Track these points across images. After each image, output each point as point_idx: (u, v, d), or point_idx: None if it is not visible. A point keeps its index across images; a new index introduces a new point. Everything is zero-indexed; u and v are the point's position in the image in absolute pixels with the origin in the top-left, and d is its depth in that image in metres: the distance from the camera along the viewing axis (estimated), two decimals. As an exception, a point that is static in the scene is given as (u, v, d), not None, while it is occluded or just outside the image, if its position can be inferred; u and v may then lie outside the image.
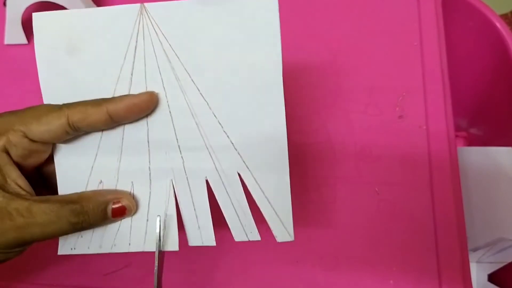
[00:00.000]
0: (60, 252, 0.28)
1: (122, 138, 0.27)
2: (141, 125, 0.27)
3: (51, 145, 0.27)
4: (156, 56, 0.26)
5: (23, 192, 0.25)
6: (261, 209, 0.27)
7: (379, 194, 0.38)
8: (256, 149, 0.27)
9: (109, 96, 0.26)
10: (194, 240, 0.27)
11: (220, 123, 0.27)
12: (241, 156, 0.27)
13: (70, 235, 0.27)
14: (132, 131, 0.27)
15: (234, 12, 0.26)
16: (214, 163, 0.27)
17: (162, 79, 0.26)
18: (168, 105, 0.27)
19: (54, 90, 0.27)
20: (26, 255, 0.34)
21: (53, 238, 0.25)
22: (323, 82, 0.44)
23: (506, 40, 0.52)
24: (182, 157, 0.27)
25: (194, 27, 0.26)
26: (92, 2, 0.48)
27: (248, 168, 0.27)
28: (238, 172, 0.27)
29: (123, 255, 0.28)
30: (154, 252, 0.27)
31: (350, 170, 0.40)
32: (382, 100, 0.42)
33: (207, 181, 0.27)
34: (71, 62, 0.27)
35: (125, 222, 0.27)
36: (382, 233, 0.37)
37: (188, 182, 0.27)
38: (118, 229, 0.27)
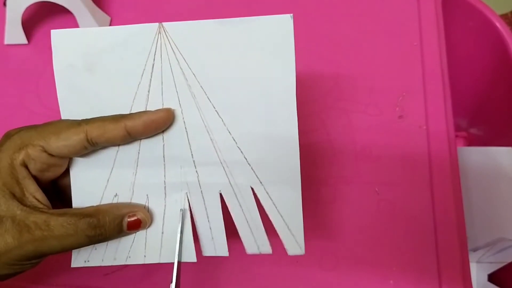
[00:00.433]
0: (74, 264, 0.28)
1: (138, 153, 0.28)
2: (157, 140, 0.28)
3: (68, 159, 0.28)
4: (173, 74, 0.27)
5: (40, 206, 0.26)
6: (273, 223, 0.27)
7: (379, 194, 0.38)
8: (269, 164, 0.27)
9: (126, 112, 0.27)
10: (208, 250, 0.28)
11: (234, 140, 0.27)
12: (254, 171, 0.27)
13: (83, 248, 0.28)
14: (148, 146, 0.28)
15: (250, 32, 0.26)
16: (228, 177, 0.28)
17: (178, 96, 0.27)
18: (184, 122, 0.27)
19: (72, 106, 0.27)
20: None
21: (69, 251, 0.26)
22: (323, 82, 0.44)
23: (506, 40, 0.52)
24: (197, 171, 0.28)
25: (210, 46, 0.27)
26: (92, 3, 0.48)
27: (261, 182, 0.27)
28: (251, 186, 0.27)
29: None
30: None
31: (350, 170, 0.40)
32: (382, 100, 0.42)
33: (220, 195, 0.28)
34: (89, 79, 0.27)
35: (139, 235, 0.28)
36: (382, 233, 0.37)
37: (202, 196, 0.28)
38: (133, 242, 0.28)
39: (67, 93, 0.27)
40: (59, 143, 0.25)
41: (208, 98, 0.27)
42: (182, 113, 0.27)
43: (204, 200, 0.28)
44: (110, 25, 0.50)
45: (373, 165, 0.39)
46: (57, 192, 0.29)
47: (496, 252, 0.48)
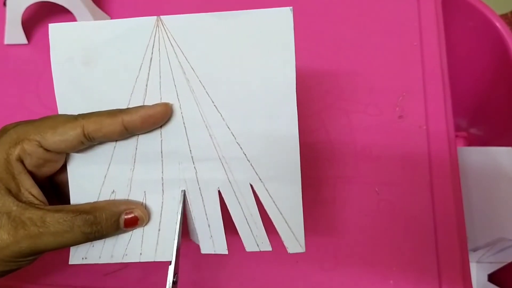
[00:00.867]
0: (71, 261, 0.28)
1: (136, 148, 0.27)
2: (155, 136, 0.27)
3: (65, 155, 0.27)
4: (171, 68, 0.27)
5: (36, 202, 0.25)
6: (273, 220, 0.27)
7: (379, 194, 0.38)
8: (268, 161, 0.27)
9: (124, 107, 0.27)
10: (207, 248, 0.28)
11: (233, 135, 0.27)
12: (253, 168, 0.27)
13: (81, 245, 0.27)
14: (146, 142, 0.27)
15: (249, 25, 0.26)
16: (226, 174, 0.27)
17: (176, 90, 0.27)
18: (182, 116, 0.27)
19: (69, 101, 0.27)
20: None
21: (65, 248, 0.26)
22: (323, 82, 0.44)
23: (506, 40, 0.52)
24: (195, 167, 0.27)
25: (209, 39, 0.26)
26: (92, 3, 0.48)
27: (260, 179, 0.27)
28: (251, 183, 0.27)
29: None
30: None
31: (350, 170, 0.40)
32: (382, 100, 0.42)
33: (219, 192, 0.27)
34: (86, 73, 0.27)
35: (137, 232, 0.28)
36: (382, 233, 0.37)
37: (200, 193, 0.27)
38: (130, 239, 0.28)
39: (64, 87, 0.27)
40: (56, 138, 0.25)
41: (207, 93, 0.27)
42: (180, 107, 0.27)
43: (202, 197, 0.27)
44: (110, 25, 0.50)
45: (373, 165, 0.39)
46: (54, 189, 0.29)
47: (496, 252, 0.48)
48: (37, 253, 0.25)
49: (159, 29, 0.27)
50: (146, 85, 0.27)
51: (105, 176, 0.28)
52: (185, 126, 0.27)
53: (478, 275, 0.49)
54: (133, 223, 0.27)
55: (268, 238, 0.27)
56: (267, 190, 0.27)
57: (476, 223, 0.50)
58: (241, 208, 0.27)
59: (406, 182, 0.38)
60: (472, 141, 0.68)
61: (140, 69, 0.27)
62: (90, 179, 0.28)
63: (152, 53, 0.27)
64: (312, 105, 0.43)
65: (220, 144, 0.27)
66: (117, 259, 0.28)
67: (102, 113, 0.25)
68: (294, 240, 0.27)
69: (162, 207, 0.28)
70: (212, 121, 0.27)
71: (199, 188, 0.27)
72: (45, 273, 0.38)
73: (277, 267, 0.37)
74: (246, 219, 0.27)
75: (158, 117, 0.26)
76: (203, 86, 0.27)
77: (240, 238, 0.27)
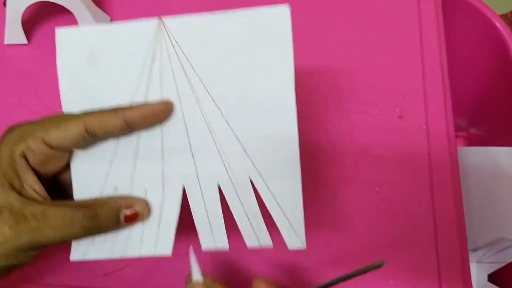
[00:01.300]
0: (73, 257, 0.28)
1: (137, 146, 0.28)
2: (155, 133, 0.28)
3: (69, 153, 0.28)
4: (172, 67, 0.27)
5: (39, 197, 0.26)
6: (273, 216, 0.27)
7: (379, 194, 0.38)
8: (268, 155, 0.27)
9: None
10: (207, 243, 0.28)
11: (232, 131, 0.27)
12: (253, 162, 0.27)
13: (82, 241, 0.28)
14: (147, 139, 0.28)
15: (247, 23, 0.27)
16: (226, 169, 0.27)
17: (177, 88, 0.27)
18: (183, 113, 0.27)
19: (73, 101, 0.28)
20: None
21: (66, 242, 0.26)
22: (323, 82, 0.44)
23: (506, 40, 0.52)
24: (195, 163, 0.28)
25: (209, 38, 0.27)
26: (92, 3, 0.48)
27: (260, 174, 0.27)
28: (250, 178, 0.27)
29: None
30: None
31: (350, 170, 0.39)
32: (382, 100, 0.42)
33: (219, 188, 0.28)
34: (90, 74, 0.28)
35: (137, 228, 0.28)
36: (382, 233, 0.37)
37: (201, 189, 0.28)
38: (130, 235, 0.28)
39: (69, 88, 0.28)
40: (59, 134, 0.26)
41: (207, 90, 0.27)
42: (181, 105, 0.27)
43: (202, 193, 0.28)
44: (110, 25, 0.50)
45: (373, 165, 0.39)
46: (59, 188, 0.30)
47: (496, 252, 0.48)
48: (37, 247, 0.26)
49: (161, 30, 0.27)
50: (148, 84, 0.27)
51: (107, 174, 0.28)
52: (185, 123, 0.27)
53: (478, 275, 0.49)
54: (133, 218, 0.27)
55: (269, 234, 0.27)
56: (266, 185, 0.27)
57: (476, 223, 0.50)
58: (241, 203, 0.27)
59: (406, 182, 0.38)
60: (472, 141, 0.68)
61: (142, 69, 0.27)
62: (93, 176, 0.28)
63: (154, 54, 0.27)
64: (312, 105, 0.43)
65: (219, 140, 0.27)
66: (118, 254, 0.28)
67: (104, 110, 0.26)
68: (294, 235, 0.27)
69: (162, 203, 0.28)
70: (212, 117, 0.27)
71: (199, 184, 0.28)
72: (45, 273, 0.38)
73: (277, 267, 0.37)
74: (246, 214, 0.27)
75: (159, 114, 0.27)
76: (203, 84, 0.27)
77: (239, 235, 0.27)
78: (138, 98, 0.27)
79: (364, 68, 0.44)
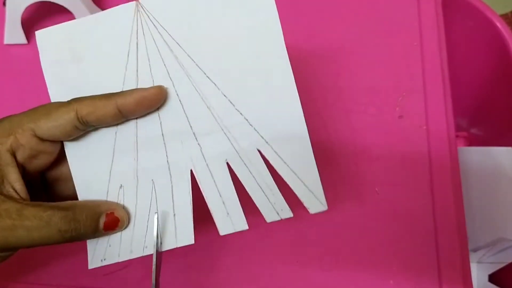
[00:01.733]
0: (91, 266, 0.27)
1: (136, 136, 0.27)
2: (153, 119, 0.27)
3: (59, 146, 0.27)
4: (158, 48, 0.27)
5: (17, 197, 0.24)
6: (288, 183, 0.26)
7: (379, 194, 0.38)
8: (271, 121, 0.26)
9: None
10: (225, 228, 0.26)
11: (231, 102, 0.26)
12: (257, 131, 0.26)
13: (98, 246, 0.27)
14: (145, 127, 0.27)
15: None
16: (232, 143, 0.26)
17: (167, 69, 0.27)
18: (177, 94, 0.27)
19: (63, 99, 0.27)
20: (25, 255, 0.34)
21: (40, 246, 0.24)
22: (323, 82, 0.44)
23: (506, 40, 0.52)
24: (198, 144, 0.27)
25: (190, 13, 0.26)
26: (92, 3, 0.48)
27: (267, 142, 0.26)
28: (258, 148, 0.26)
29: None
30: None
31: (350, 170, 0.39)
32: (382, 100, 0.42)
33: (228, 164, 0.26)
34: (77, 69, 0.27)
35: (152, 221, 0.27)
36: (382, 233, 0.37)
37: (209, 169, 0.27)
38: (147, 230, 0.27)
39: (57, 87, 0.27)
40: (49, 123, 0.24)
41: (197, 65, 0.26)
42: (173, 86, 0.27)
43: (211, 173, 0.26)
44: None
45: (373, 165, 0.39)
46: (45, 186, 0.29)
47: (497, 252, 0.48)
48: (9, 248, 0.24)
49: (140, 13, 0.26)
50: (137, 70, 0.27)
51: (110, 172, 0.27)
52: (181, 104, 0.27)
53: (479, 275, 0.49)
54: (113, 225, 0.26)
55: (287, 204, 0.26)
56: (275, 152, 0.26)
57: (477, 223, 0.50)
58: (253, 176, 0.26)
59: (406, 182, 0.38)
60: (473, 141, 0.68)
61: (128, 55, 0.27)
62: (96, 177, 0.27)
63: (137, 38, 0.27)
64: (312, 105, 0.43)
65: (219, 114, 0.26)
66: (138, 253, 0.27)
67: (96, 96, 0.25)
68: (314, 199, 0.26)
69: (172, 191, 0.27)
70: (208, 92, 0.26)
71: (207, 164, 0.27)
72: (44, 273, 0.38)
73: (277, 267, 0.37)
74: (260, 187, 0.26)
75: (153, 99, 0.26)
76: (192, 60, 0.26)
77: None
78: (129, 86, 0.27)
79: (364, 68, 0.44)
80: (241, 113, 0.26)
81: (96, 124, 0.26)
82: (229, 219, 0.26)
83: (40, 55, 0.27)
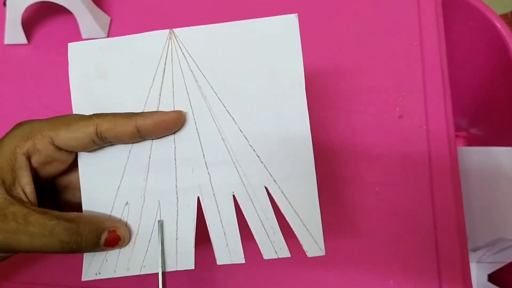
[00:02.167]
0: (84, 278, 0.27)
1: (149, 157, 0.27)
2: (168, 143, 0.27)
3: (73, 156, 0.27)
4: (183, 76, 0.27)
5: (26, 200, 0.25)
6: (290, 223, 0.26)
7: (379, 194, 0.38)
8: (282, 161, 0.27)
9: None
10: (222, 258, 0.27)
11: (246, 138, 0.27)
12: (267, 169, 0.27)
13: (94, 259, 0.27)
14: (159, 149, 0.27)
15: (257, 31, 0.27)
16: (240, 177, 0.27)
17: (189, 97, 0.27)
18: (195, 122, 0.27)
19: (85, 112, 0.27)
20: (24, 255, 0.34)
21: (39, 253, 0.25)
22: (323, 82, 0.44)
23: (506, 40, 0.52)
24: (208, 173, 0.27)
25: (219, 48, 0.27)
26: (92, 3, 0.48)
27: (275, 181, 0.27)
28: (265, 186, 0.27)
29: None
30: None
31: (350, 170, 0.40)
32: (382, 100, 0.42)
33: (234, 197, 0.27)
34: (102, 85, 0.28)
35: (153, 242, 0.27)
36: (382, 233, 0.37)
37: (215, 198, 0.27)
38: (147, 250, 0.27)
39: (81, 100, 0.28)
40: (68, 134, 0.25)
41: (219, 98, 0.27)
42: (193, 114, 0.27)
43: (217, 204, 0.27)
44: (110, 25, 0.50)
45: (373, 165, 0.39)
46: (53, 192, 0.29)
47: (496, 252, 0.48)
48: (9, 250, 0.25)
49: (172, 41, 0.27)
50: (160, 94, 0.27)
51: (118, 188, 0.28)
52: (198, 132, 0.27)
53: (478, 275, 0.49)
54: (113, 242, 0.26)
55: (286, 244, 0.27)
56: (282, 192, 0.27)
57: (476, 223, 0.50)
58: (257, 212, 0.27)
59: (406, 182, 0.38)
60: (472, 141, 0.68)
61: (154, 79, 0.28)
62: (103, 191, 0.28)
63: (165, 64, 0.28)
64: (312, 105, 0.42)
65: (233, 147, 0.27)
66: (135, 271, 0.27)
67: (117, 114, 0.26)
68: (313, 243, 0.27)
69: (177, 216, 0.27)
70: (225, 125, 0.27)
71: (214, 193, 0.27)
72: (44, 273, 0.38)
73: (277, 267, 0.37)
74: (262, 224, 0.27)
75: (171, 123, 0.26)
76: (215, 92, 0.27)
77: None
78: (150, 108, 0.27)
79: (364, 68, 0.44)
80: (254, 149, 0.27)
81: (113, 141, 0.26)
82: (227, 250, 0.27)
83: (69, 66, 0.28)
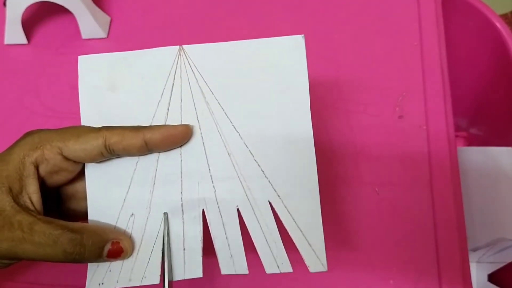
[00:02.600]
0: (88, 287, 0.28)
1: (156, 169, 0.28)
2: (175, 156, 0.28)
3: (81, 166, 0.28)
4: (191, 91, 0.28)
5: (32, 208, 0.25)
6: (293, 239, 0.27)
7: (379, 194, 0.38)
8: (286, 177, 0.27)
9: None
10: (227, 268, 0.28)
11: (251, 153, 0.28)
12: (272, 185, 0.27)
13: (98, 270, 0.27)
14: (166, 162, 0.28)
15: (264, 50, 0.28)
16: (245, 192, 0.28)
17: (196, 112, 0.28)
18: (202, 136, 0.28)
19: (93, 125, 0.28)
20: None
21: (43, 261, 0.25)
22: (323, 82, 0.44)
23: (506, 40, 0.52)
24: (214, 187, 0.28)
25: (227, 65, 0.28)
26: (92, 3, 0.48)
27: (279, 196, 0.27)
28: (269, 201, 0.27)
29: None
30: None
31: (350, 170, 0.40)
32: (382, 100, 0.42)
33: (238, 210, 0.28)
34: (111, 97, 0.28)
35: (157, 254, 0.28)
36: (382, 233, 0.37)
37: (220, 212, 0.28)
38: (149, 261, 0.28)
39: (89, 111, 0.28)
40: (77, 146, 0.25)
41: (225, 114, 0.28)
42: (200, 128, 0.28)
43: (221, 217, 0.28)
44: (110, 25, 0.50)
45: (373, 165, 0.39)
46: (59, 201, 0.29)
47: (496, 252, 0.48)
48: (14, 258, 0.25)
49: (181, 57, 0.28)
50: (168, 109, 0.28)
51: (125, 199, 0.28)
52: (204, 146, 0.28)
53: (478, 275, 0.49)
54: (116, 254, 0.27)
55: (288, 259, 0.27)
56: (285, 207, 0.27)
57: (476, 223, 0.50)
58: (260, 226, 0.27)
59: (406, 182, 0.38)
60: (472, 141, 0.68)
61: (162, 94, 0.28)
62: (109, 202, 0.28)
63: (174, 79, 0.28)
64: (312, 105, 0.43)
65: (238, 162, 0.28)
66: (136, 282, 0.27)
67: (126, 127, 0.26)
68: (315, 258, 0.27)
69: (183, 228, 0.28)
70: (231, 140, 0.28)
71: (218, 207, 0.28)
72: (44, 273, 0.38)
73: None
74: (266, 238, 0.27)
75: (179, 137, 0.27)
76: (222, 108, 0.28)
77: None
78: (158, 122, 0.28)
79: (364, 68, 0.44)
80: (259, 165, 0.28)
81: (121, 154, 0.27)
82: (231, 261, 0.28)
83: (79, 78, 0.29)
